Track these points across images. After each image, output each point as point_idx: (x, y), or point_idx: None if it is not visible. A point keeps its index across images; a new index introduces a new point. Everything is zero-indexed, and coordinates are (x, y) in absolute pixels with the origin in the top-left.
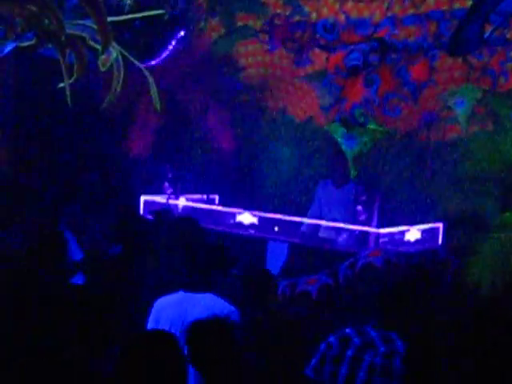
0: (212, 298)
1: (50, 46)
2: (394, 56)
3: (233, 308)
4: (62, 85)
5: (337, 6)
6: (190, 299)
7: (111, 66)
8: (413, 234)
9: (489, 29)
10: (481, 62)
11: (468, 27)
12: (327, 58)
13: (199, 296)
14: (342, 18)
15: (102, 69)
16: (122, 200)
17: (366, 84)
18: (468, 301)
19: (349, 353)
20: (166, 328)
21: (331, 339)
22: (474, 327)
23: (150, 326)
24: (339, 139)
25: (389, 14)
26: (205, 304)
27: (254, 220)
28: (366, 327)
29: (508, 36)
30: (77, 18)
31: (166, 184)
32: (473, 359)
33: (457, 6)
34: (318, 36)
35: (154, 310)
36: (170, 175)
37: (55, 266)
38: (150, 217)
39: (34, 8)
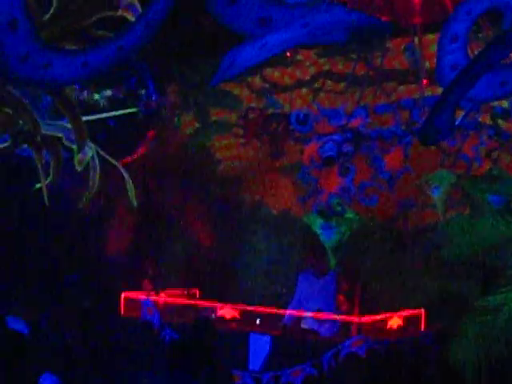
0: None
1: (26, 146)
2: (368, 145)
3: None
4: (38, 186)
5: (310, 97)
6: None
7: (87, 164)
8: (395, 321)
9: (460, 115)
10: (454, 148)
11: (439, 116)
12: (302, 150)
13: None
14: (316, 109)
15: (78, 168)
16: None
17: (341, 174)
18: None
19: None
20: None
21: None
22: None
23: None
24: (317, 230)
25: (361, 103)
26: None
27: (236, 313)
28: None
29: (480, 120)
30: (52, 118)
31: (146, 280)
32: None
33: (428, 93)
34: (292, 128)
35: None
36: (149, 271)
37: None
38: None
39: (9, 110)
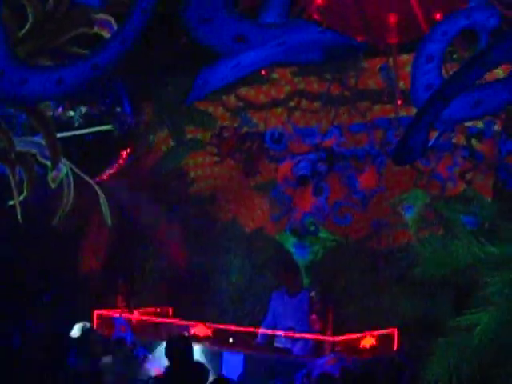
0: None
1: None
2: (342, 164)
3: None
4: (12, 202)
5: (284, 116)
6: None
7: (61, 181)
8: (368, 340)
9: (434, 135)
10: (428, 168)
11: (412, 136)
12: (276, 169)
13: None
14: (290, 127)
15: (52, 185)
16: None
17: (315, 193)
18: None
19: None
20: None
21: None
22: None
23: None
24: (291, 248)
25: (336, 122)
26: None
27: (209, 332)
28: None
29: (454, 141)
30: (26, 134)
31: (119, 298)
32: None
33: (403, 113)
34: (266, 146)
35: None
36: (122, 289)
37: None
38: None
39: None
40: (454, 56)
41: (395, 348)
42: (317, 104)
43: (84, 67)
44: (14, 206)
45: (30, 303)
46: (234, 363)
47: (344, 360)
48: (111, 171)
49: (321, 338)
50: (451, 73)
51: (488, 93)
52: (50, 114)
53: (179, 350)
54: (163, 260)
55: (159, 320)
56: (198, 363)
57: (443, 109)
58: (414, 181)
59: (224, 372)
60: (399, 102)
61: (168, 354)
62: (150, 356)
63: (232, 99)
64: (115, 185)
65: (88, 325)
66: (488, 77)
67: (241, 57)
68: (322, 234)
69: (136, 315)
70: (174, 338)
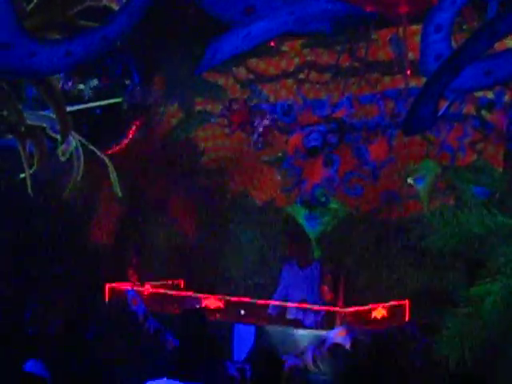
0: None
1: (10, 136)
2: (352, 135)
3: None
4: (23, 175)
5: (294, 88)
6: None
7: (71, 155)
8: (379, 311)
9: (444, 105)
10: (438, 138)
11: (422, 106)
12: (286, 141)
13: None
14: (300, 99)
15: (62, 158)
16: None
17: (325, 164)
18: (438, 377)
19: None
20: None
21: None
22: None
23: None
24: (301, 220)
25: (346, 94)
26: None
27: (220, 304)
28: None
29: (464, 111)
30: (36, 108)
31: (131, 271)
32: None
33: (413, 84)
34: (276, 119)
35: None
36: (134, 261)
37: None
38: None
39: None
40: (464, 27)
41: (407, 319)
42: (327, 76)
43: (93, 39)
44: (24, 180)
45: (40, 276)
46: (245, 335)
47: (355, 331)
48: (121, 144)
49: (332, 309)
50: (460, 43)
51: (498, 62)
52: (59, 87)
53: (194, 323)
54: (174, 232)
55: (171, 293)
56: (212, 336)
57: (453, 79)
58: (424, 152)
59: (235, 343)
60: (408, 73)
61: (183, 327)
62: (162, 328)
63: (242, 71)
64: (125, 157)
65: None
66: (498, 46)
67: (251, 27)
68: (333, 205)
69: (147, 288)
70: (189, 311)
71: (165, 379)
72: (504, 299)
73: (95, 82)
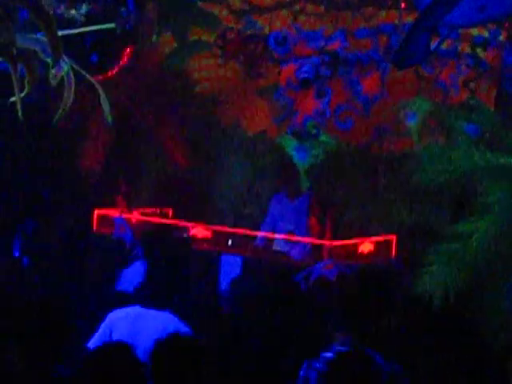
0: (167, 316)
1: (0, 59)
2: (345, 68)
3: (188, 328)
4: (13, 99)
5: (289, 19)
6: (145, 315)
7: (62, 80)
8: (366, 246)
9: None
10: (432, 75)
11: (413, 39)
12: (279, 71)
13: (155, 313)
14: (294, 30)
15: (53, 82)
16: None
17: (317, 96)
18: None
19: None
20: None
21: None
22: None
23: (101, 337)
24: (291, 152)
25: (340, 26)
26: (160, 321)
27: (208, 233)
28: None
29: (459, 49)
30: (28, 31)
31: (119, 197)
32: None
33: (408, 19)
34: (270, 49)
35: (107, 322)
36: (123, 189)
37: None
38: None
39: None
40: None
41: (393, 254)
42: (322, 8)
43: None
44: (15, 103)
45: (28, 200)
46: (232, 265)
47: (341, 265)
48: (113, 71)
49: (319, 242)
50: None
51: None
52: (51, 11)
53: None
54: (164, 161)
55: (159, 221)
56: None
57: (446, 13)
58: (417, 88)
59: (222, 273)
60: (403, 6)
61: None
62: None
63: (237, 1)
64: (117, 83)
65: None
66: None
67: None
68: (323, 138)
69: (136, 215)
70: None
71: (137, 307)
72: (491, 237)
73: (88, 6)
